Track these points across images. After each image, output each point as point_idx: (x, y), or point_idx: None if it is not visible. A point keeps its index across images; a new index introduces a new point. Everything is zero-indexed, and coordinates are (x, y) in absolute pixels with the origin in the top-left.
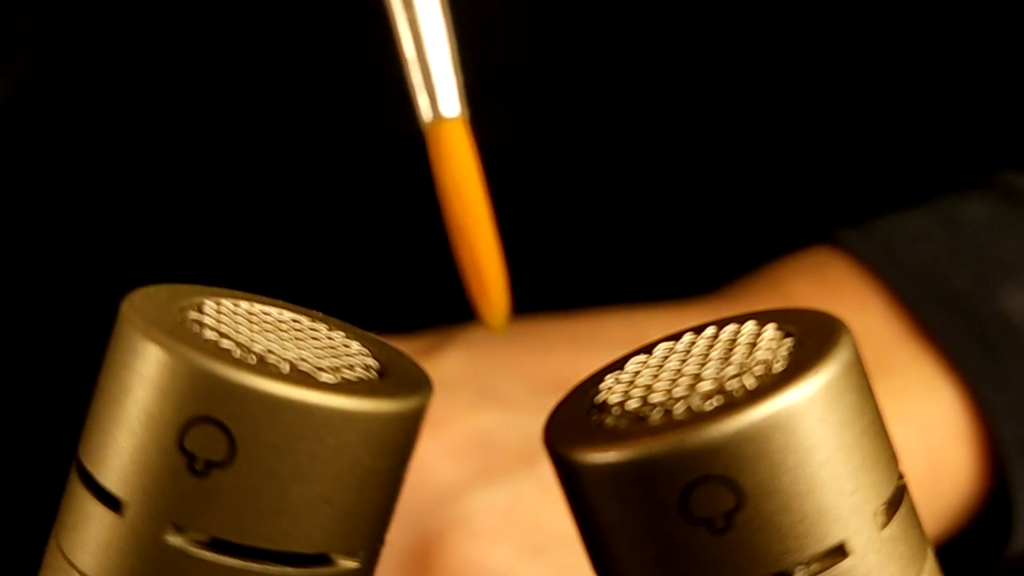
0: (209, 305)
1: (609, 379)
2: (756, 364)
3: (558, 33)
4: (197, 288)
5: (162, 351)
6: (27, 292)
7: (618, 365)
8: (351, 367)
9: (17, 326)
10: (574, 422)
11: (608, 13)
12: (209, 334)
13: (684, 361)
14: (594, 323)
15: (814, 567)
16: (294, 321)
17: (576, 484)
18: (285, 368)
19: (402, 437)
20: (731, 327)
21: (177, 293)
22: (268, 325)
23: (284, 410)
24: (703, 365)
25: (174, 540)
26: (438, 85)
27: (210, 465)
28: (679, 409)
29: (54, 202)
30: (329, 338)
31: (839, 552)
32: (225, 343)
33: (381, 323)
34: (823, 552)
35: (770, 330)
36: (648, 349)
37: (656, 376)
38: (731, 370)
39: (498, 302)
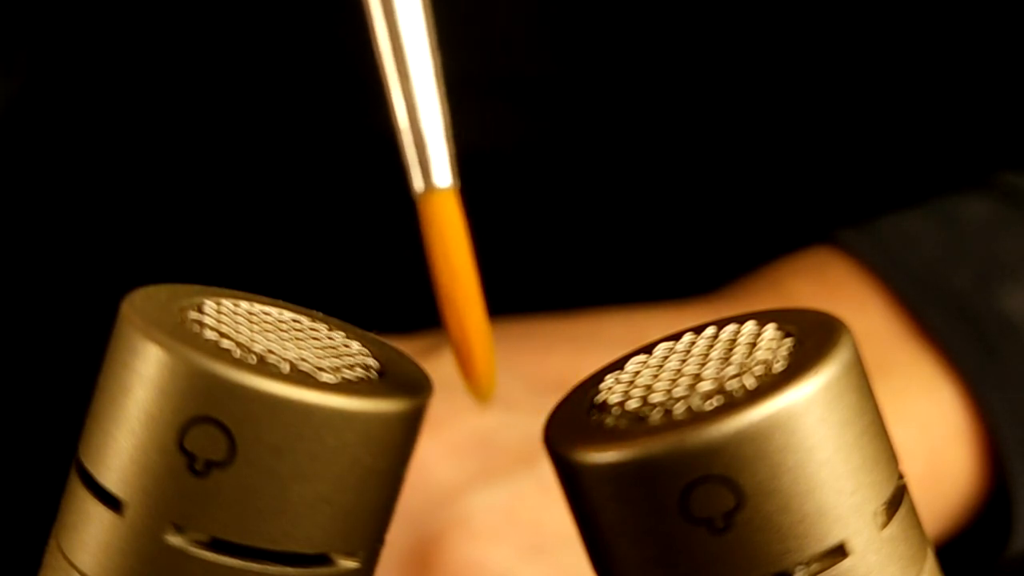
0: (209, 305)
1: (609, 379)
2: (756, 364)
3: (558, 33)
4: (197, 288)
5: (162, 351)
6: (27, 292)
7: (618, 365)
8: (351, 367)
9: (17, 326)
10: (574, 422)
11: (608, 13)
12: (209, 334)
13: (684, 361)
14: (594, 323)
15: (814, 567)
16: (294, 321)
17: (576, 484)
18: (285, 368)
19: (402, 437)
20: (731, 327)
21: (177, 293)
22: (268, 325)
23: (284, 410)
24: (703, 365)
25: (174, 540)
26: (431, 155)
27: (210, 465)
28: (679, 409)
29: (54, 202)
30: (329, 338)
31: (839, 552)
32: (225, 343)
33: (381, 323)
34: (823, 552)
35: (770, 330)
36: (648, 349)
37: (656, 376)
38: (731, 370)
39: (485, 375)
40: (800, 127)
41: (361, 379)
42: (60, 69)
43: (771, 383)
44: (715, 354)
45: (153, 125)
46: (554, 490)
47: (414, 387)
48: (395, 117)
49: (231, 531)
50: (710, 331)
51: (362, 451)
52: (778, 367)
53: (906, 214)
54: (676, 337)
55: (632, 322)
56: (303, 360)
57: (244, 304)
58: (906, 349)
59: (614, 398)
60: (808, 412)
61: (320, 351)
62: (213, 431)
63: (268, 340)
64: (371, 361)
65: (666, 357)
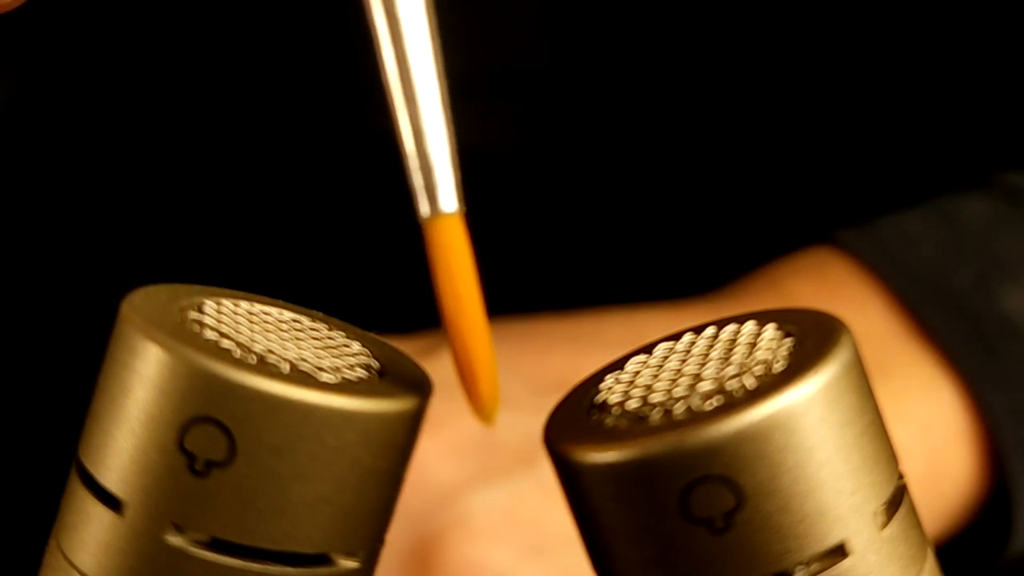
0: (209, 305)
1: (609, 379)
2: (756, 364)
3: (558, 33)
4: (197, 288)
5: (162, 351)
6: (27, 292)
7: (618, 365)
8: (351, 367)
9: (17, 326)
10: (574, 422)
11: (608, 13)
12: (209, 334)
13: (684, 361)
14: (594, 323)
15: (814, 567)
16: (294, 321)
17: (576, 484)
18: (285, 368)
19: (402, 437)
20: (731, 327)
21: (177, 293)
22: (268, 325)
23: (284, 410)
24: (703, 365)
25: (174, 540)
26: (438, 180)
27: (210, 465)
28: (679, 409)
29: (54, 202)
30: (329, 338)
31: (839, 552)
32: (225, 343)
33: (381, 323)
34: (823, 552)
35: (770, 330)
36: (648, 349)
37: (656, 376)
38: (731, 370)
39: (489, 400)
40: (800, 127)
41: (361, 379)
42: (60, 69)
43: (771, 383)
44: (715, 354)
45: (154, 125)
46: (554, 490)
47: (414, 387)
48: (401, 141)
49: (231, 531)
50: (710, 331)
51: (362, 451)
52: (778, 367)
53: (906, 214)
54: (676, 337)
55: (632, 322)
56: (303, 360)
57: (244, 304)
58: (906, 349)
59: (614, 398)
60: (808, 412)
61: (320, 351)
62: (213, 431)
63: (268, 340)
64: (371, 361)
65: (666, 357)
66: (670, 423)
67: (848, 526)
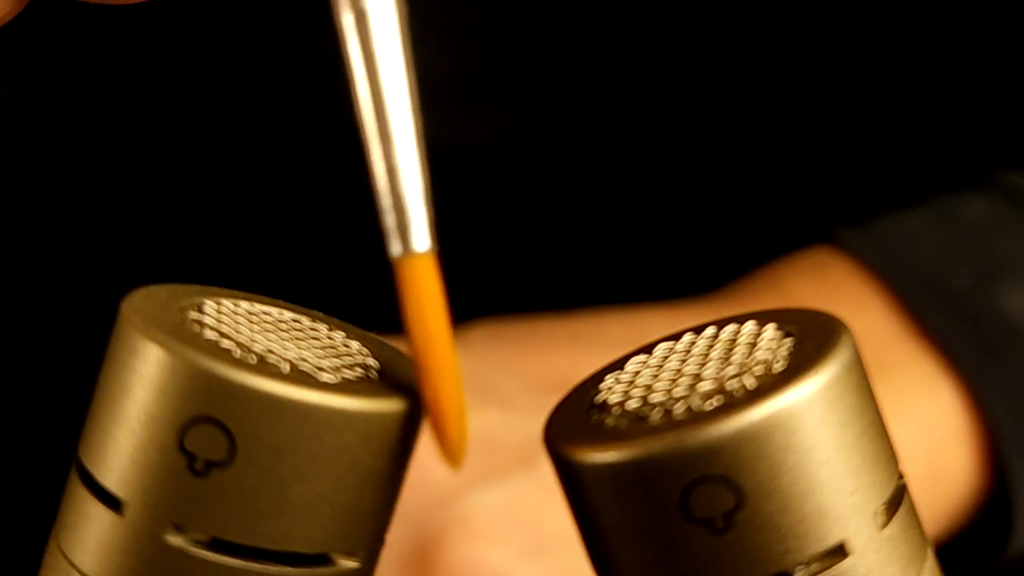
0: (209, 305)
1: (609, 379)
2: (756, 364)
3: (554, 33)
4: (197, 288)
5: (162, 351)
6: (27, 292)
7: (618, 365)
8: (351, 367)
9: (17, 326)
10: (574, 422)
11: (606, 12)
12: (209, 334)
13: (684, 361)
14: (594, 323)
15: (814, 567)
16: (294, 321)
17: (576, 484)
18: (285, 368)
19: (402, 437)
20: (731, 327)
21: (177, 293)
22: (268, 325)
23: (284, 410)
24: (703, 365)
25: (174, 540)
26: (410, 219)
27: (210, 465)
28: (679, 409)
29: (54, 203)
30: (329, 338)
31: (839, 552)
32: (225, 343)
33: (381, 323)
34: (823, 552)
35: (770, 330)
36: (648, 349)
37: (656, 376)
38: (731, 370)
39: (457, 439)
40: (800, 127)
41: (361, 379)
42: (59, 70)
43: (771, 383)
44: (715, 354)
45: (154, 124)
46: (554, 490)
47: (414, 387)
48: (374, 179)
49: (231, 531)
50: (710, 331)
51: (362, 451)
52: (778, 367)
53: (906, 214)
54: (676, 337)
55: (632, 322)
56: (303, 360)
57: (244, 304)
58: (906, 349)
59: (614, 398)
60: (808, 412)
61: (320, 351)
62: (213, 431)
63: (268, 340)
64: (371, 361)
65: (666, 357)
66: (670, 423)
67: (848, 526)
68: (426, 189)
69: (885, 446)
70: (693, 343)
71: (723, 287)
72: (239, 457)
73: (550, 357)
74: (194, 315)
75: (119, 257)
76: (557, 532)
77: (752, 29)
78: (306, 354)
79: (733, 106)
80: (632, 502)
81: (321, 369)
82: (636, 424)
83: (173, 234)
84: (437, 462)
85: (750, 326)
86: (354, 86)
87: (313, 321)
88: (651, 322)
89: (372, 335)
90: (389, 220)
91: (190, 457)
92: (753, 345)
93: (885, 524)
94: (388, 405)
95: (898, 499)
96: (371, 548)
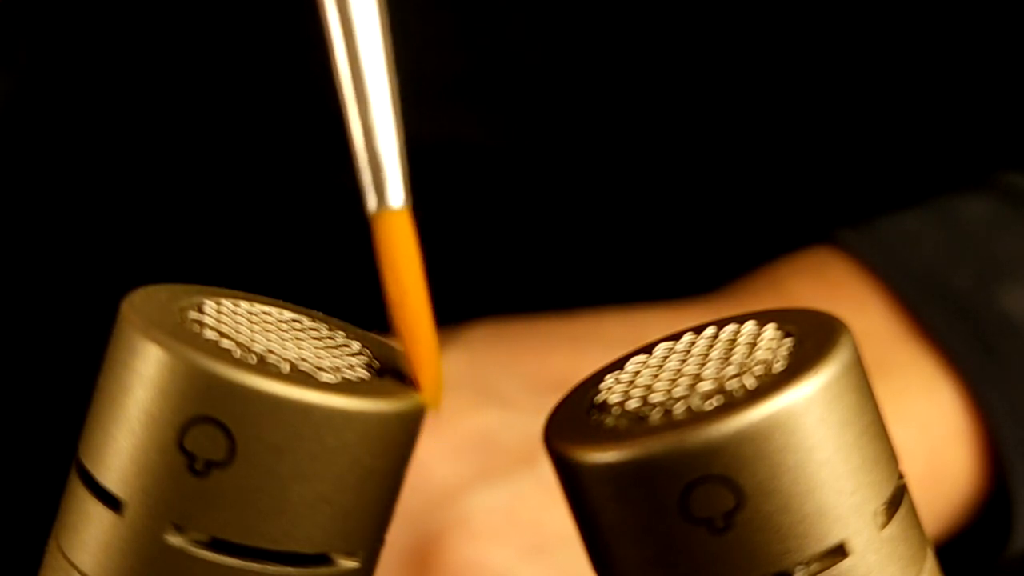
0: (209, 305)
1: (609, 379)
2: (756, 364)
3: (554, 33)
4: (197, 288)
5: (162, 351)
6: (27, 292)
7: (618, 365)
8: (351, 367)
9: (17, 326)
10: (574, 422)
11: (605, 12)
12: (209, 334)
13: (684, 361)
14: (594, 323)
15: (814, 567)
16: (294, 321)
17: (576, 484)
18: (285, 368)
19: (402, 437)
20: (731, 327)
21: (177, 293)
22: (268, 325)
23: (284, 410)
24: (703, 365)
25: (174, 540)
26: (386, 176)
27: (210, 465)
28: (679, 409)
29: (54, 202)
30: (329, 338)
31: (839, 552)
32: (225, 343)
33: (381, 323)
34: (823, 552)
35: (770, 330)
36: (648, 349)
37: (656, 376)
38: (731, 370)
39: (432, 383)
40: (800, 127)
41: (361, 379)
42: (60, 69)
43: (771, 383)
44: (715, 354)
45: (154, 124)
46: (554, 490)
47: (414, 387)
48: (351, 137)
49: (231, 531)
50: (710, 331)
51: (362, 451)
52: (778, 367)
53: (906, 214)
54: (676, 337)
55: (632, 322)
56: (303, 360)
57: (244, 304)
58: (906, 349)
59: (614, 398)
60: (808, 412)
61: (320, 351)
62: (213, 431)
63: (268, 340)
64: (371, 361)
65: (666, 357)
66: (670, 423)
67: (848, 526)
68: (401, 147)
69: (885, 446)
70: (693, 343)
71: (723, 287)
72: (239, 457)
73: (550, 357)
74: (194, 315)
75: (119, 257)
76: (557, 532)
77: (752, 29)
78: (306, 354)
79: (733, 106)
80: (632, 502)
81: (321, 369)
82: (636, 424)
83: (173, 234)
84: (437, 462)
85: (750, 326)
86: (331, 47)
87: (313, 321)
88: (651, 322)
89: (372, 335)
90: (366, 177)
91: (190, 457)
92: (753, 345)
93: (885, 524)
94: (388, 405)
95: (898, 499)
96: (371, 548)
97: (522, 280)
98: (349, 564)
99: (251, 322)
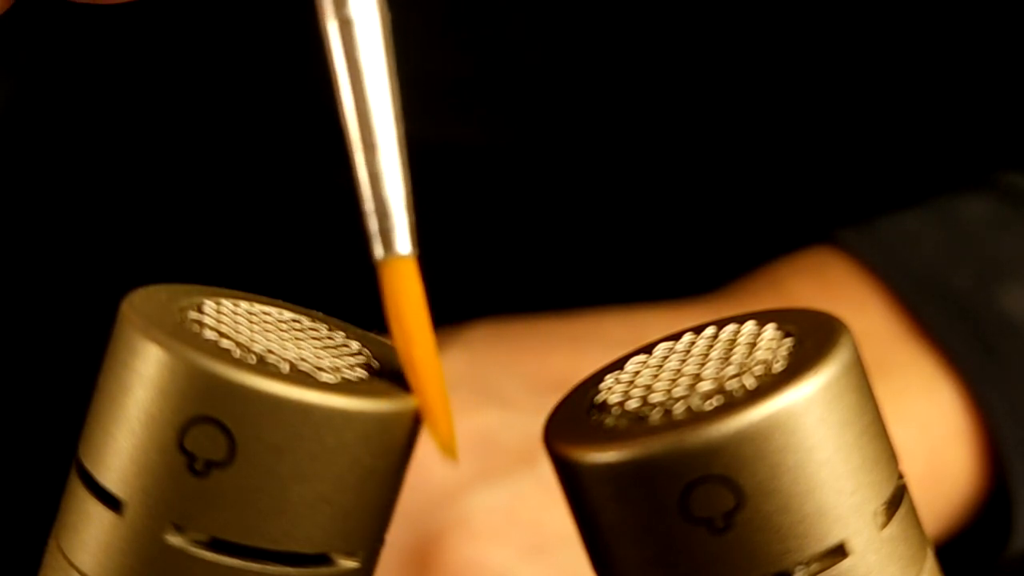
0: (209, 305)
1: (609, 379)
2: (756, 364)
3: (553, 33)
4: (197, 288)
5: (162, 351)
6: (27, 292)
7: (618, 365)
8: (351, 367)
9: (17, 326)
10: (574, 422)
11: (604, 12)
12: (209, 334)
13: (684, 361)
14: (594, 323)
15: (814, 567)
16: (294, 321)
17: (576, 484)
18: (285, 368)
19: (402, 437)
20: (731, 327)
21: (177, 293)
22: (268, 325)
23: (284, 410)
24: (703, 365)
25: (174, 540)
26: (393, 224)
27: (210, 465)
28: (679, 409)
29: (54, 203)
30: (329, 338)
31: (839, 552)
32: (225, 343)
33: (381, 323)
34: (823, 552)
35: (770, 330)
36: (648, 349)
37: (656, 376)
38: (731, 370)
39: (446, 432)
40: (799, 127)
41: (361, 379)
42: (60, 70)
43: (771, 383)
44: (715, 354)
45: (154, 124)
46: (554, 490)
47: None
48: (358, 185)
49: (231, 531)
50: (710, 331)
51: (362, 451)
52: (778, 367)
53: (906, 214)
54: (676, 337)
55: (632, 322)
56: (303, 360)
57: (244, 304)
58: (906, 349)
59: (614, 398)
60: (808, 412)
61: (320, 351)
62: (213, 431)
63: (268, 340)
64: (371, 361)
65: (666, 357)
66: (670, 423)
67: (848, 526)
68: (408, 195)
69: (885, 446)
70: (693, 343)
71: (723, 287)
72: (239, 457)
73: (550, 357)
74: (194, 315)
75: (119, 257)
76: (557, 532)
77: (752, 30)
78: (306, 354)
79: (733, 106)
80: (632, 502)
81: (320, 369)
82: (636, 424)
83: (173, 234)
84: (437, 462)
85: (750, 326)
86: (338, 94)
87: (313, 321)
88: (651, 322)
89: (372, 335)
90: (372, 224)
91: (190, 457)
92: (753, 345)
93: (885, 524)
94: (388, 405)
95: (898, 499)
96: (371, 548)
97: (522, 280)
98: (349, 564)
99: (251, 322)
